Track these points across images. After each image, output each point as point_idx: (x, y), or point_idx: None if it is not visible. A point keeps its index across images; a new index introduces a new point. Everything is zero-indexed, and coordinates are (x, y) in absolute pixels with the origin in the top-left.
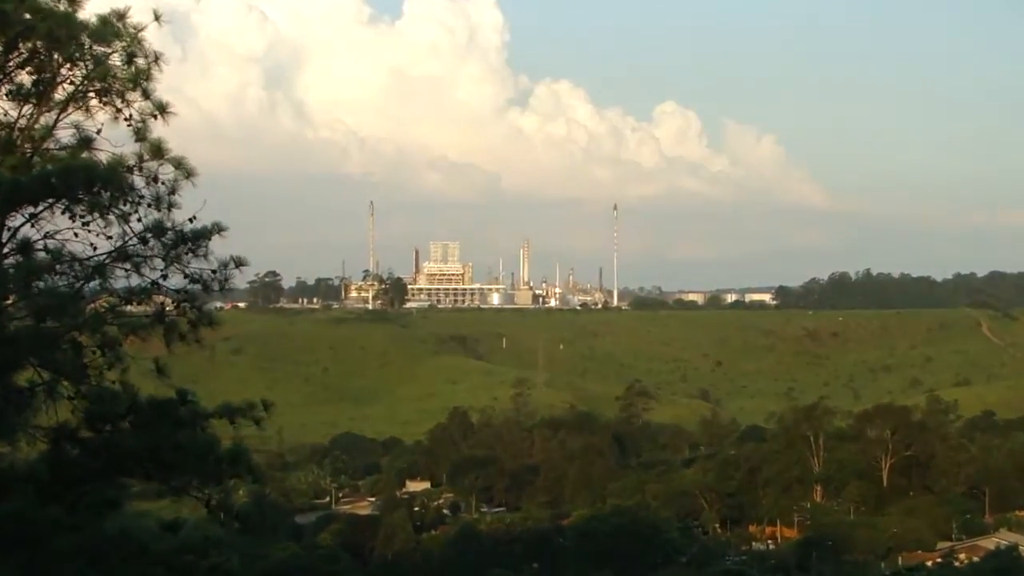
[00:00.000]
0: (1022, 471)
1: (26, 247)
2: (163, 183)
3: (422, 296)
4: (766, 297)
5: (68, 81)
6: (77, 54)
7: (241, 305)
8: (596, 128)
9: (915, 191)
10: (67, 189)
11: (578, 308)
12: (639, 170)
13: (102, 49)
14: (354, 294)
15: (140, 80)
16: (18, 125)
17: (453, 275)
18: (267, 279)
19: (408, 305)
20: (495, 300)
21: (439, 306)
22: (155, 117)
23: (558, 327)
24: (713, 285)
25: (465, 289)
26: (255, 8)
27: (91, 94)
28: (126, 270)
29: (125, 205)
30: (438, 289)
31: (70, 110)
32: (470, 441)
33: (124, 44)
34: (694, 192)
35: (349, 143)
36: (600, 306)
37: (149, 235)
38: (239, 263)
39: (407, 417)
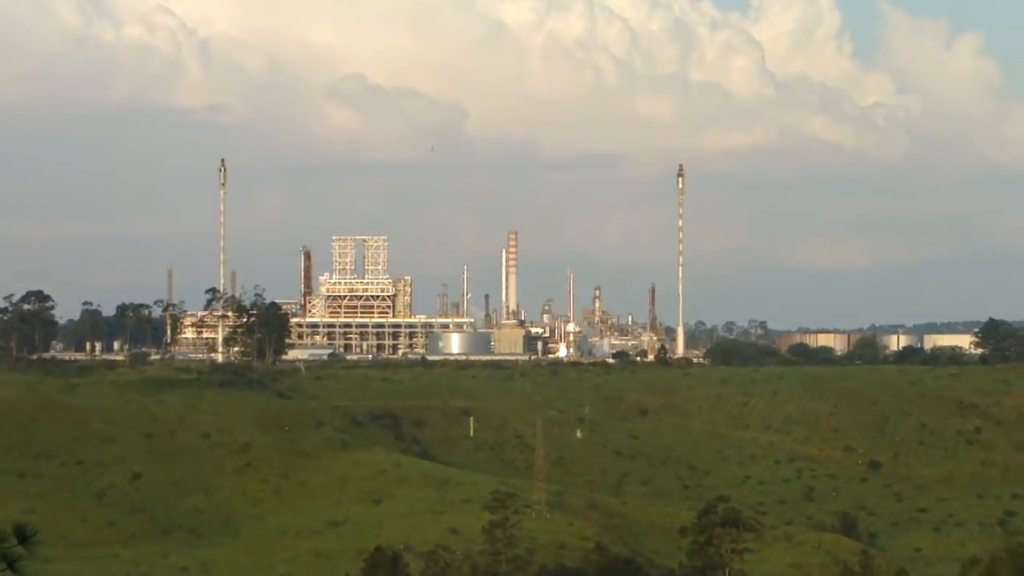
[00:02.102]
0: None
1: None
2: None
3: (317, 338)
4: (963, 341)
5: None
6: None
7: None
8: (643, 23)
9: None
10: None
11: (609, 360)
12: (725, 102)
13: None
14: (190, 334)
15: None
16: None
17: (376, 299)
18: (25, 307)
19: (292, 355)
20: (454, 346)
21: (351, 357)
22: None
23: (572, 396)
24: (862, 318)
25: (400, 325)
26: None
27: None
28: None
29: None
30: (348, 326)
31: None
32: None
33: None
34: (825, 144)
35: (180, 50)
36: (652, 357)
37: None
38: None
39: (287, 566)
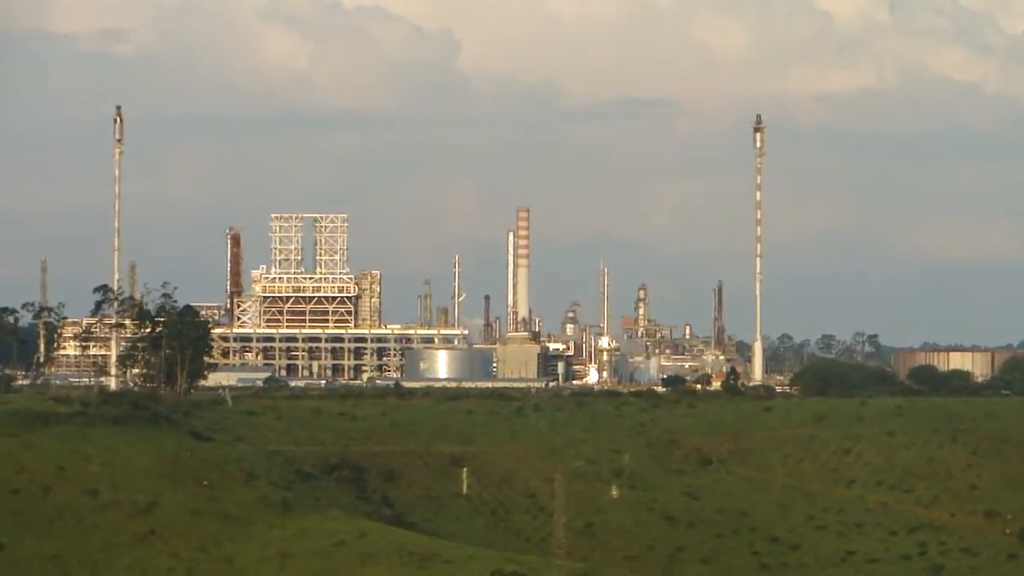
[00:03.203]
0: None
1: None
2: None
3: (250, 356)
4: None
5: None
6: None
7: None
8: None
9: None
10: None
11: (659, 389)
12: (821, 29)
13: None
14: (72, 350)
15: None
16: None
17: (332, 301)
18: None
19: (215, 380)
20: (441, 367)
21: (296, 383)
22: None
23: (606, 439)
24: (1012, 332)
25: (365, 339)
26: None
27: None
28: None
29: None
30: (292, 339)
31: None
32: None
33: None
34: (959, 87)
35: None
36: (718, 385)
37: None
38: None
39: None
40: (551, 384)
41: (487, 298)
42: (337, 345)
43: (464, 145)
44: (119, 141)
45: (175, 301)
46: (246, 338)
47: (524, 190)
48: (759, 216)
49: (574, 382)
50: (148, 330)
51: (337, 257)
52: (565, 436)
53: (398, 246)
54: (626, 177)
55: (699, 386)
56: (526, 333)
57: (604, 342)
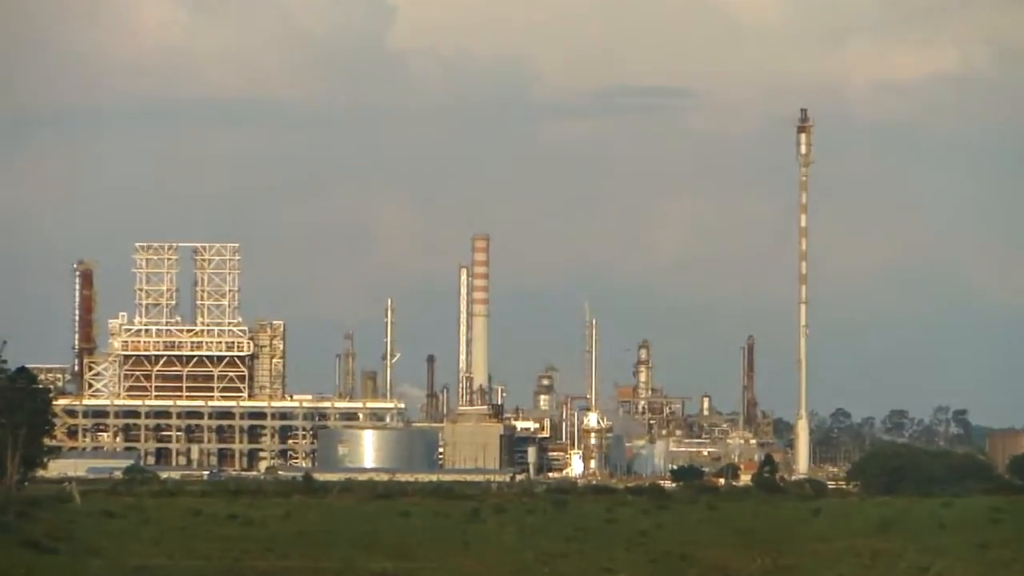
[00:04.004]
0: None
1: None
2: None
3: (105, 437)
4: None
5: None
6: None
7: None
8: None
9: None
10: None
11: (666, 484)
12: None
13: None
14: None
15: None
16: None
17: (218, 363)
18: None
19: (58, 469)
20: (368, 454)
21: (170, 474)
22: None
23: (595, 553)
24: None
25: (263, 414)
26: None
27: None
28: None
29: None
30: (164, 414)
31: None
32: None
33: None
34: None
35: None
36: (748, 478)
37: None
38: None
39: None
40: (519, 477)
41: (431, 359)
42: (225, 423)
43: (400, 148)
44: None
45: (3, 361)
46: (101, 412)
47: (482, 211)
48: (804, 247)
49: (551, 474)
50: None
51: (226, 302)
52: (538, 549)
53: (309, 287)
54: (622, 193)
55: (722, 480)
56: (484, 407)
57: (592, 420)
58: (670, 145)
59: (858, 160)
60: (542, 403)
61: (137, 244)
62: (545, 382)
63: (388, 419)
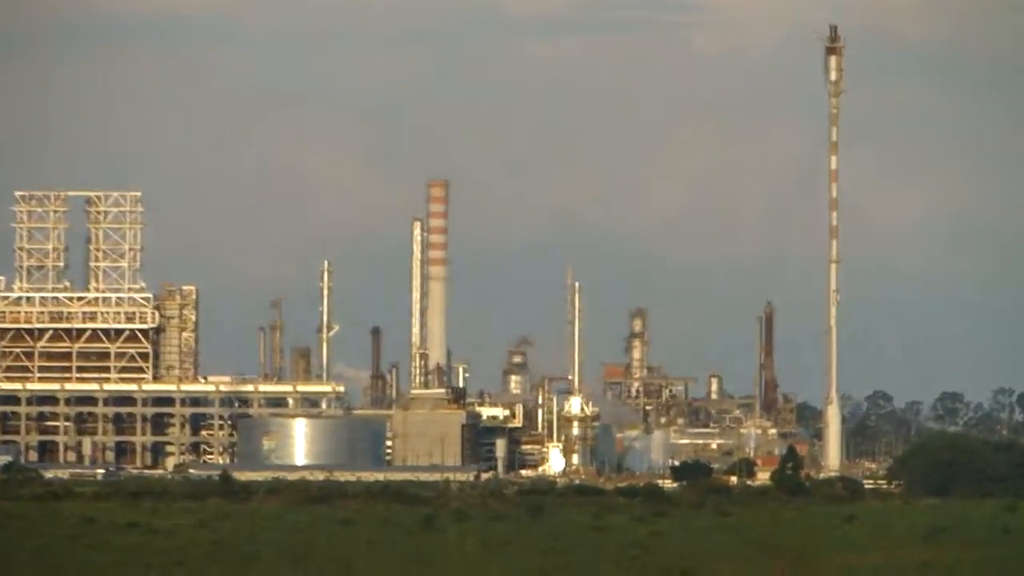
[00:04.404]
0: None
1: None
2: None
3: None
4: None
5: None
6: None
7: None
8: None
9: None
10: None
11: (666, 484)
12: None
13: None
14: None
15: None
16: None
17: (114, 336)
18: None
19: None
20: (299, 448)
21: (56, 473)
22: None
23: (582, 568)
24: None
25: (171, 400)
26: None
27: None
28: None
29: None
30: (48, 400)
31: None
32: None
33: None
34: None
35: None
36: (767, 477)
37: None
38: None
39: None
40: (485, 476)
41: (376, 332)
42: (124, 410)
43: (335, 70)
44: None
45: None
46: None
47: (440, 151)
48: (834, 194)
49: (524, 473)
50: None
51: (125, 264)
52: (509, 564)
53: (228, 246)
54: (611, 130)
55: (734, 479)
56: (442, 391)
57: (574, 405)
58: (670, 69)
59: (899, 88)
60: (513, 385)
61: (17, 193)
62: (517, 360)
63: (324, 405)
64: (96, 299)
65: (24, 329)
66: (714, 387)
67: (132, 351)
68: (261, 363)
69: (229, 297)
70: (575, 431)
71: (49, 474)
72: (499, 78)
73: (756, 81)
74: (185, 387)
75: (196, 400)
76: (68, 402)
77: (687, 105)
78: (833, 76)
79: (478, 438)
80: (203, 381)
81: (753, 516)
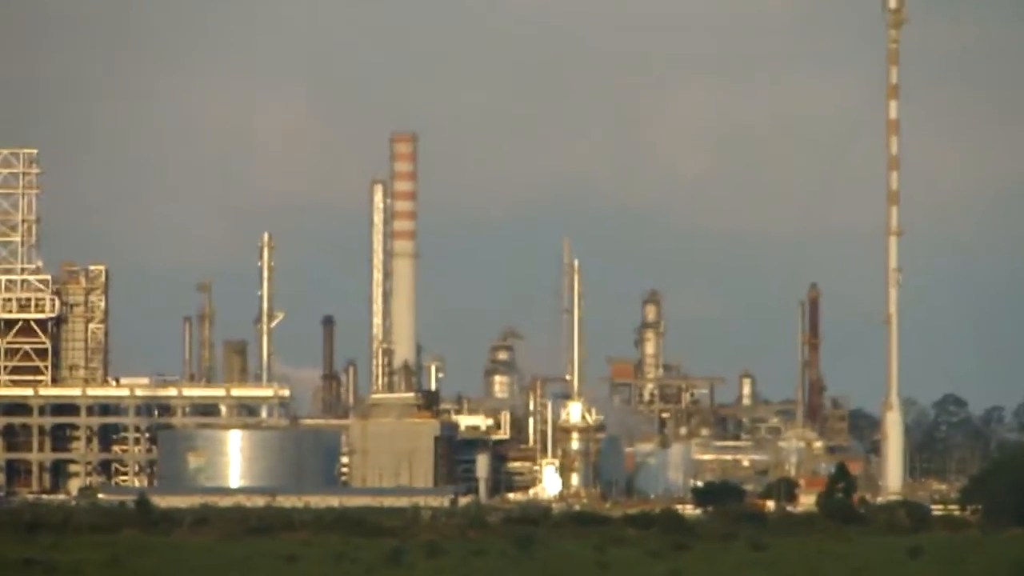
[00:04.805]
0: None
1: None
2: None
3: None
4: None
5: None
6: None
7: None
8: None
9: None
10: None
11: (686, 509)
12: None
13: None
14: None
15: None
16: None
17: (5, 329)
18: None
19: None
20: (235, 465)
21: None
22: None
23: None
24: None
25: (75, 409)
26: None
27: None
28: None
29: None
30: None
31: None
32: None
33: None
34: None
35: None
36: (812, 501)
37: None
38: None
39: None
40: (463, 500)
41: (328, 323)
42: (17, 421)
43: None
44: None
45: None
46: None
47: (405, 98)
48: (894, 151)
49: (511, 496)
50: None
51: (18, 239)
52: None
53: (144, 216)
54: (614, 74)
55: (772, 504)
56: (410, 395)
57: (574, 412)
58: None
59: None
60: (498, 388)
61: None
62: (503, 356)
63: (264, 414)
64: None
65: None
66: (746, 390)
67: (26, 347)
68: (186, 361)
69: (147, 279)
70: (574, 445)
71: None
72: (480, 11)
73: (793, 8)
74: (92, 391)
75: (106, 408)
76: None
77: (705, 42)
78: (892, 4)
79: (454, 454)
80: (114, 384)
81: (794, 550)
